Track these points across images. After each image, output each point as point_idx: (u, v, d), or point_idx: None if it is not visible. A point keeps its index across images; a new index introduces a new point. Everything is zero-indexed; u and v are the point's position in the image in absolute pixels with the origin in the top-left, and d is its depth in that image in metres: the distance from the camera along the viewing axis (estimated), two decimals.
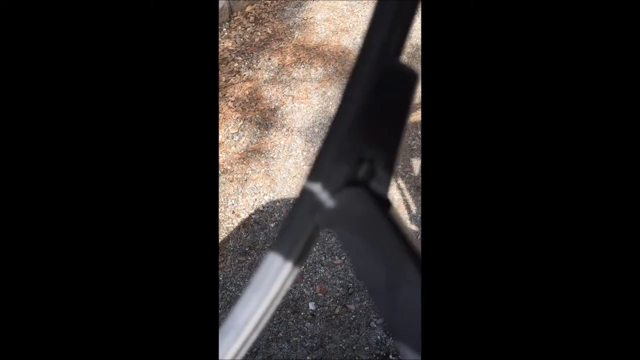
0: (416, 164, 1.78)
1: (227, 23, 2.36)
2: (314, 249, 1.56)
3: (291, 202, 1.70)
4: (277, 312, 1.43)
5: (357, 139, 0.11)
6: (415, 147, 1.83)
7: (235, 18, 2.38)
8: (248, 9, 2.42)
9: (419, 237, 1.59)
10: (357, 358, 1.33)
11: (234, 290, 1.49)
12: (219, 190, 1.72)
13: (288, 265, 0.13)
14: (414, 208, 1.65)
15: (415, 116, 1.93)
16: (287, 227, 0.12)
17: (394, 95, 0.11)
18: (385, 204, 0.12)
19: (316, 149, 1.83)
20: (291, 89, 2.05)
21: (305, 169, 1.78)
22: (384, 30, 0.11)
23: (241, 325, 0.14)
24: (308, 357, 1.34)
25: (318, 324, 1.40)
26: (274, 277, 0.13)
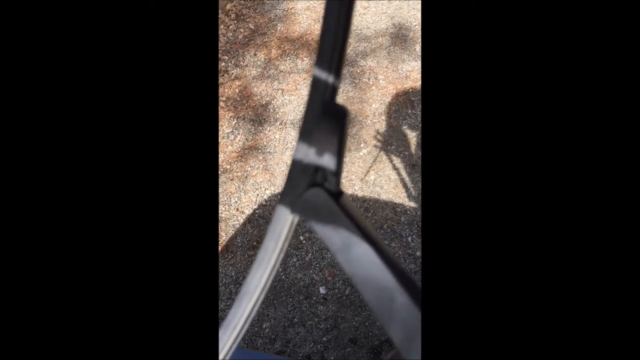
0: (410, 142, 1.82)
1: None
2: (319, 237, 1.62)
3: None
4: (291, 299, 1.49)
5: (312, 157, 0.17)
6: (405, 126, 1.87)
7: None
8: (228, 6, 2.43)
9: (419, 213, 1.64)
10: (370, 333, 1.40)
11: None
12: (221, 190, 1.77)
13: (291, 215, 0.18)
14: (410, 186, 1.70)
15: (404, 98, 1.95)
16: (285, 192, 0.18)
17: (333, 124, 0.16)
18: (337, 195, 0.17)
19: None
20: (280, 83, 2.08)
21: None
22: (324, 78, 0.16)
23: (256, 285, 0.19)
24: (324, 338, 1.41)
25: (330, 306, 1.46)
26: (282, 226, 0.18)
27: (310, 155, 0.16)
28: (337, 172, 0.17)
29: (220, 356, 0.21)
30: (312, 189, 0.17)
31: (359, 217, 0.17)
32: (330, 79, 0.16)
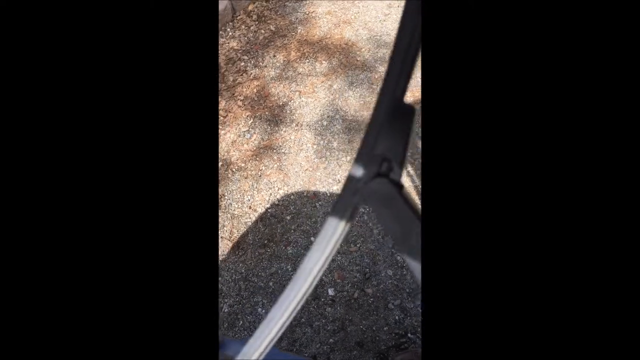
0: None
1: (230, 23, 2.41)
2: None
3: (305, 194, 1.76)
4: None
5: (380, 149, 0.18)
6: (420, 133, 1.87)
7: (239, 18, 2.43)
8: (250, 7, 2.46)
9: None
10: (377, 338, 1.40)
11: (255, 280, 1.57)
12: (235, 187, 1.79)
13: (342, 224, 0.20)
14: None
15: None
16: (337, 204, 0.19)
17: (401, 121, 0.17)
18: (400, 186, 0.19)
19: (326, 142, 1.89)
20: (298, 85, 2.10)
21: (316, 161, 1.84)
22: (395, 77, 0.17)
23: (311, 269, 0.20)
24: (331, 340, 1.41)
25: (338, 308, 1.47)
26: (333, 233, 0.20)
27: (378, 146, 0.18)
28: (402, 164, 0.18)
29: (273, 332, 0.22)
30: (378, 178, 0.18)
31: (418, 209, 0.18)
32: (402, 79, 0.17)
